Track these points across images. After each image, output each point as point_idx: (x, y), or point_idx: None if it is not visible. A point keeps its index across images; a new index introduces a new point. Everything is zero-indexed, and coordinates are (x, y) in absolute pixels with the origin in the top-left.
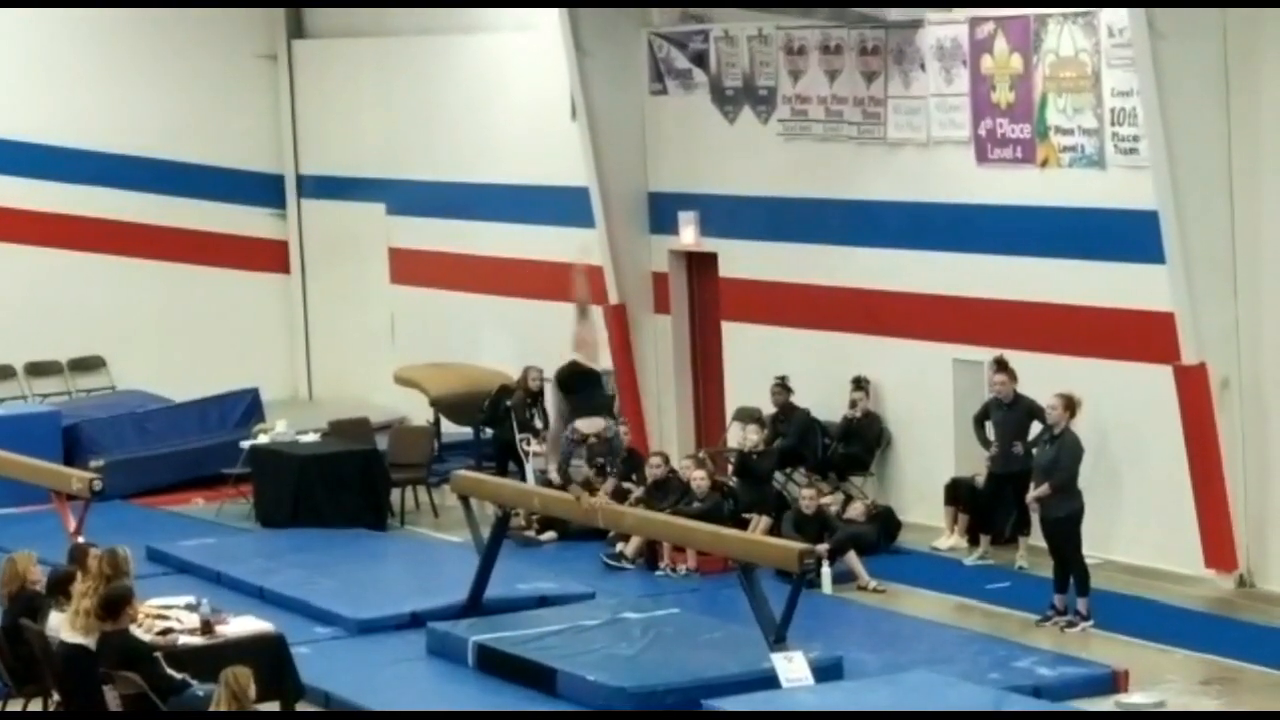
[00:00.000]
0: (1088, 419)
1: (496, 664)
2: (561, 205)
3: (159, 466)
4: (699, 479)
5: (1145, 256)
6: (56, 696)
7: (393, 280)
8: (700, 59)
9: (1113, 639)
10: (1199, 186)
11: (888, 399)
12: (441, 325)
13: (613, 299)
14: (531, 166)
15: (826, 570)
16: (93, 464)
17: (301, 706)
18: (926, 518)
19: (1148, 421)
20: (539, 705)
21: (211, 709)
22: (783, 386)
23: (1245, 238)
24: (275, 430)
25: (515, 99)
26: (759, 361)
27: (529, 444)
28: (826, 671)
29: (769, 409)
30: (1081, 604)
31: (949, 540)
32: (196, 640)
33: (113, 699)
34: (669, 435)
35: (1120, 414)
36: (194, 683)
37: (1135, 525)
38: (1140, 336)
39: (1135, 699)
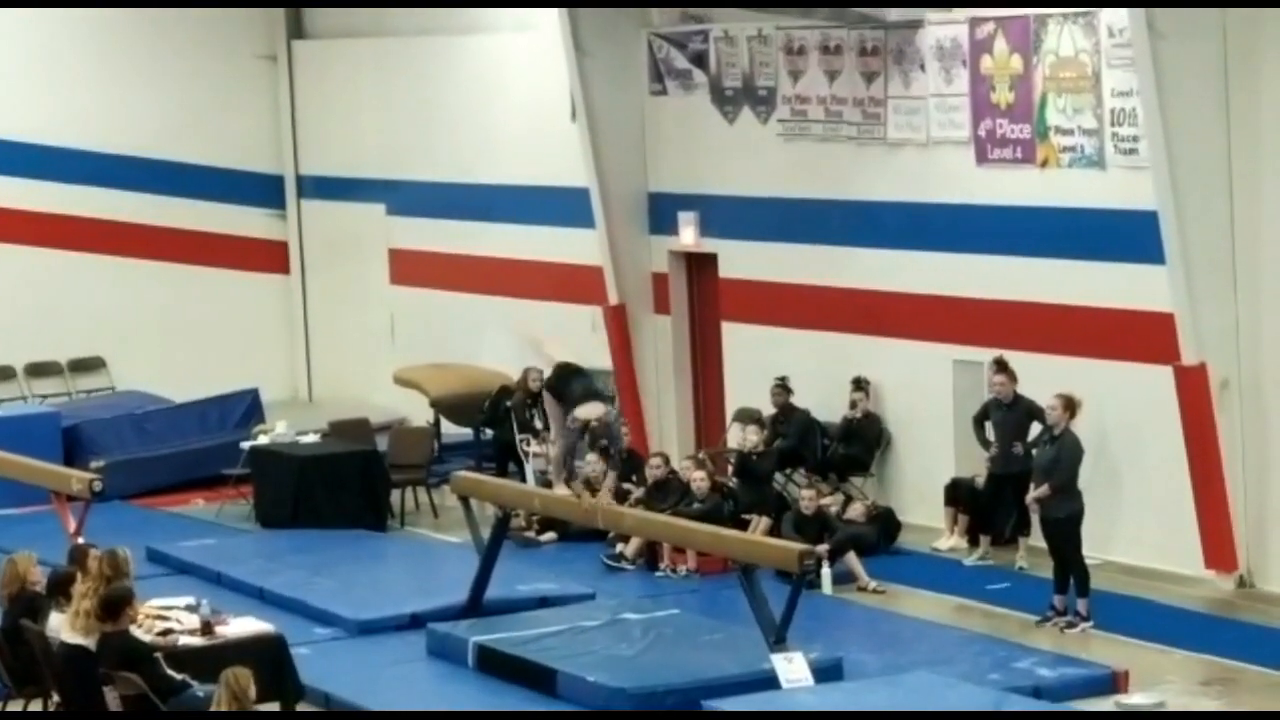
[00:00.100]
0: (1088, 419)
1: (497, 665)
2: (561, 206)
3: (159, 467)
4: (699, 480)
5: (1145, 257)
6: (56, 697)
7: (393, 281)
8: (700, 59)
9: (1113, 639)
10: (1199, 187)
11: (888, 399)
12: (441, 326)
13: (613, 299)
14: (531, 167)
15: (826, 571)
16: (93, 465)
17: (302, 707)
18: (926, 518)
19: (1148, 422)
20: (539, 706)
21: (212, 710)
22: (783, 387)
23: (1245, 238)
24: (275, 431)
25: (515, 99)
26: (759, 362)
27: (529, 445)
28: (826, 672)
29: (769, 410)
30: (1081, 604)
31: (949, 541)
32: (196, 641)
33: (113, 700)
34: (669, 436)
35: (1120, 414)
36: (194, 683)
37: (1135, 526)
38: (1140, 337)
39: (1135, 700)
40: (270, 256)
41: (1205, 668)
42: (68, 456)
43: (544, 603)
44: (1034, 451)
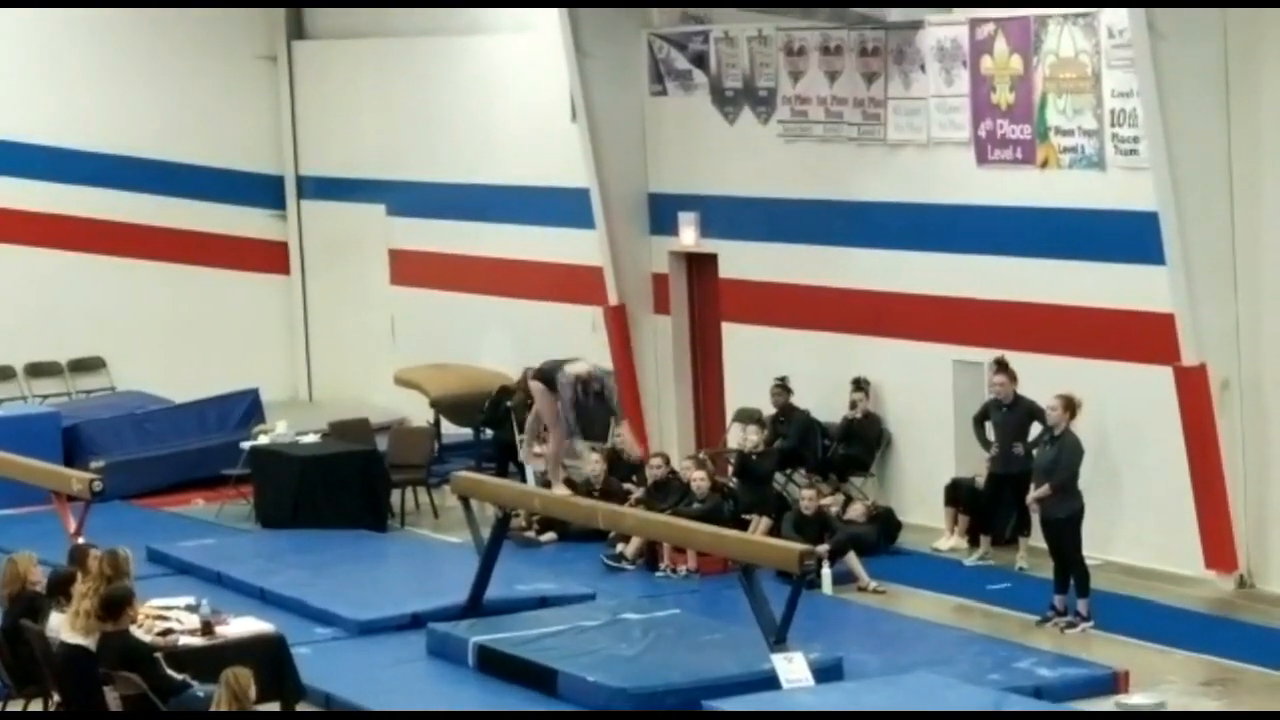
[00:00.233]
0: (1088, 420)
1: (497, 665)
2: (562, 206)
3: (159, 467)
4: (699, 480)
5: (1145, 257)
6: (57, 697)
7: (393, 281)
8: (700, 60)
9: (1113, 640)
10: (1199, 187)
11: (888, 400)
12: (442, 326)
13: (613, 300)
14: (532, 167)
15: (827, 571)
16: (93, 465)
17: (302, 707)
18: (927, 519)
19: (1148, 422)
20: (539, 706)
21: (212, 710)
22: (783, 387)
23: (1245, 238)
24: (275, 431)
25: (515, 100)
26: (759, 362)
27: (536, 446)
28: (827, 672)
29: (769, 410)
30: (1082, 605)
31: (949, 541)
32: (197, 641)
33: (113, 700)
34: (669, 436)
35: (1120, 415)
36: (194, 683)
37: (1135, 526)
38: (1140, 337)
39: (1135, 700)
40: (270, 257)
41: (1205, 668)
42: (68, 457)
43: (544, 603)
44: (1034, 452)
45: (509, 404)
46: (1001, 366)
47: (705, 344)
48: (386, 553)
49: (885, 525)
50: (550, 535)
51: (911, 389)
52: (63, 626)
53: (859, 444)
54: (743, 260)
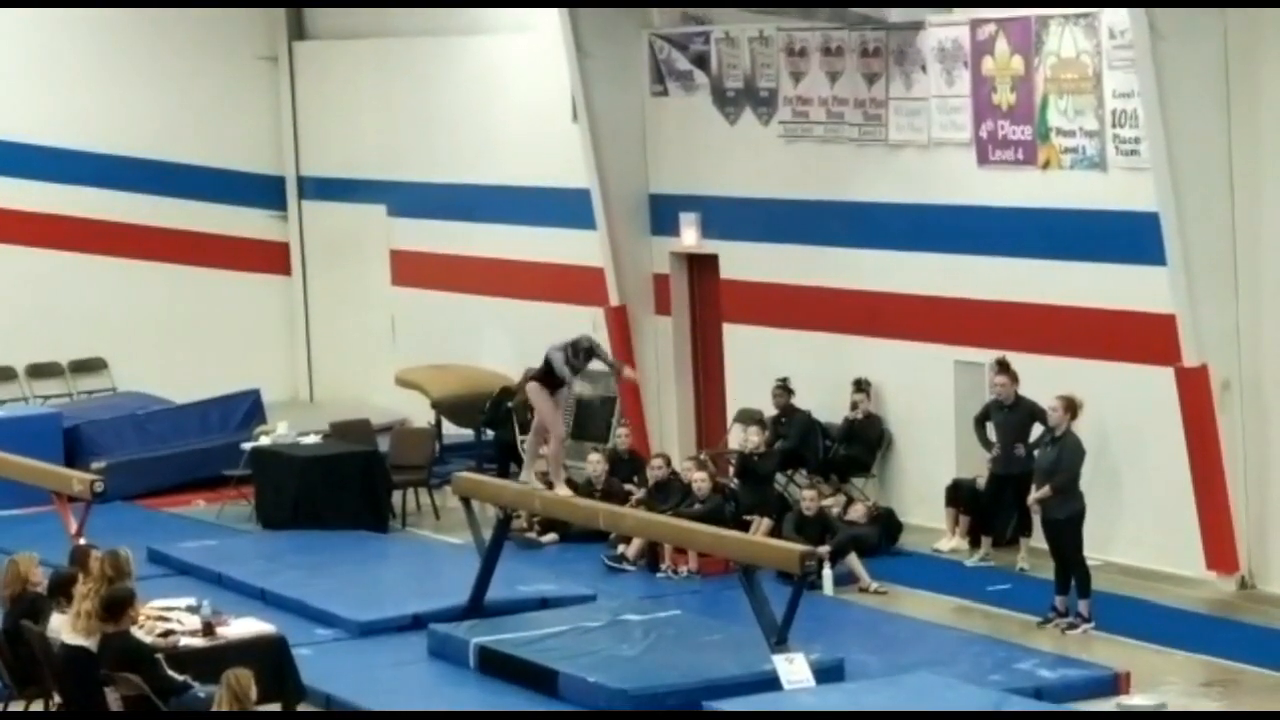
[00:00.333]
0: (1089, 421)
1: (498, 666)
2: (562, 207)
3: (160, 468)
4: (700, 480)
5: (1146, 258)
6: (57, 698)
7: (394, 282)
8: (701, 60)
9: (1114, 641)
10: (1200, 188)
11: (889, 400)
12: (442, 327)
13: (614, 300)
14: (532, 168)
15: (828, 572)
16: (94, 466)
17: (303, 708)
18: (927, 519)
19: (1149, 423)
20: (540, 707)
21: (213, 710)
22: (784, 388)
23: (1246, 239)
24: (276, 432)
25: (516, 100)
26: (760, 363)
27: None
28: (828, 673)
29: (770, 410)
30: (1083, 605)
31: (950, 542)
32: (198, 642)
33: (114, 701)
34: (670, 437)
35: (1121, 416)
36: (195, 684)
37: (1136, 527)
38: (1141, 338)
39: (1136, 701)
40: (271, 257)
41: (1206, 669)
42: (69, 457)
43: (545, 604)
44: (1035, 453)
45: (510, 405)
46: (1003, 367)
47: (706, 345)
48: (387, 553)
49: (886, 526)
50: (551, 536)
51: (912, 390)
52: (64, 627)
53: (860, 445)
54: (744, 261)
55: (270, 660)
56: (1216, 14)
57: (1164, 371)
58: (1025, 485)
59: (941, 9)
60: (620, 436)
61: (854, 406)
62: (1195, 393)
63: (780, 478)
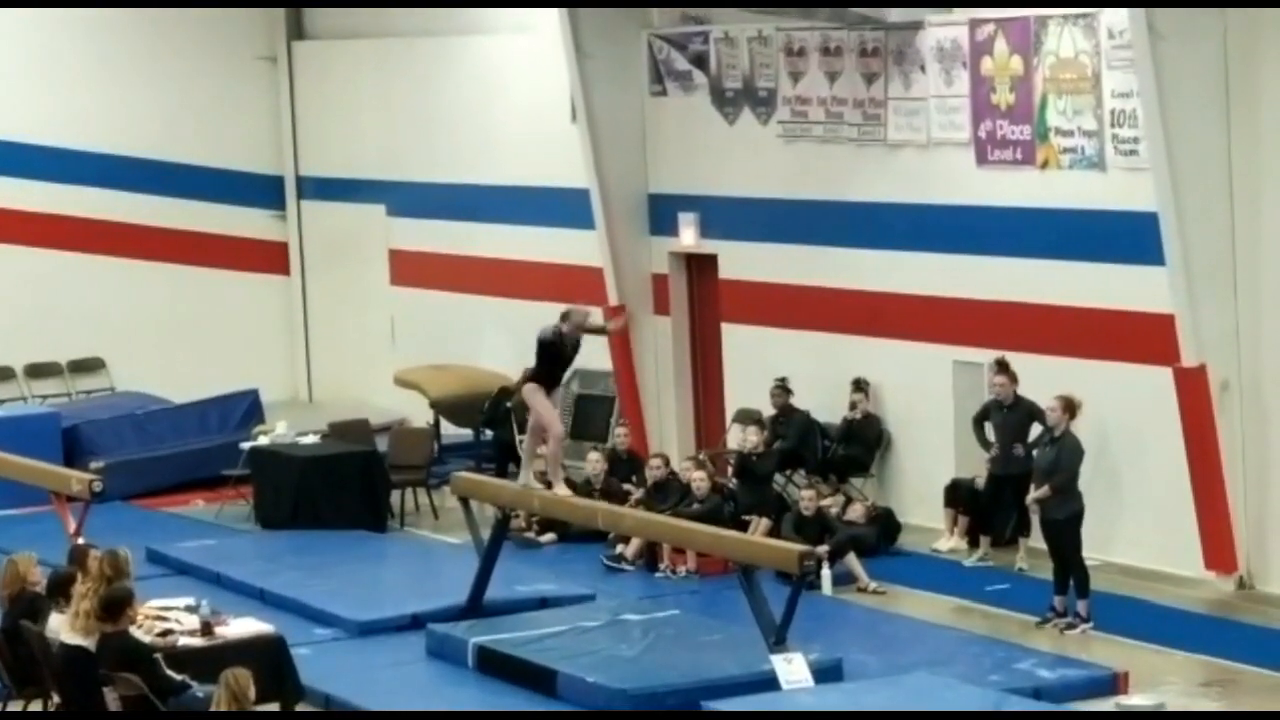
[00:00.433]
0: (1088, 421)
1: (497, 666)
2: (562, 207)
3: (159, 468)
4: (699, 480)
5: (1145, 258)
6: (56, 698)
7: (393, 282)
8: (700, 60)
9: (1113, 641)
10: (1199, 188)
11: (888, 400)
12: (441, 327)
13: (613, 300)
14: (532, 168)
15: (826, 572)
16: (93, 465)
17: (301, 708)
18: (926, 519)
19: (1148, 423)
20: (539, 707)
21: (211, 710)
22: (783, 388)
23: (1245, 239)
24: (275, 432)
25: (515, 100)
26: (759, 363)
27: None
28: (826, 673)
29: (769, 410)
30: (1081, 606)
31: (949, 542)
32: (196, 642)
33: (113, 700)
34: (669, 437)
35: (1120, 416)
36: (194, 684)
37: (1135, 527)
38: (1140, 338)
39: (1135, 701)
40: (270, 257)
41: (1205, 669)
42: (68, 457)
43: (544, 603)
44: (1034, 453)
45: (508, 404)
46: (1002, 367)
47: (705, 345)
48: (386, 553)
49: (885, 526)
50: (550, 536)
51: (911, 390)
52: (62, 627)
53: (859, 445)
54: (742, 261)
55: (269, 660)
56: (1216, 14)
57: (1163, 372)
58: (1024, 485)
59: (940, 9)
60: (619, 436)
61: (853, 406)
62: (1194, 393)
63: (779, 478)
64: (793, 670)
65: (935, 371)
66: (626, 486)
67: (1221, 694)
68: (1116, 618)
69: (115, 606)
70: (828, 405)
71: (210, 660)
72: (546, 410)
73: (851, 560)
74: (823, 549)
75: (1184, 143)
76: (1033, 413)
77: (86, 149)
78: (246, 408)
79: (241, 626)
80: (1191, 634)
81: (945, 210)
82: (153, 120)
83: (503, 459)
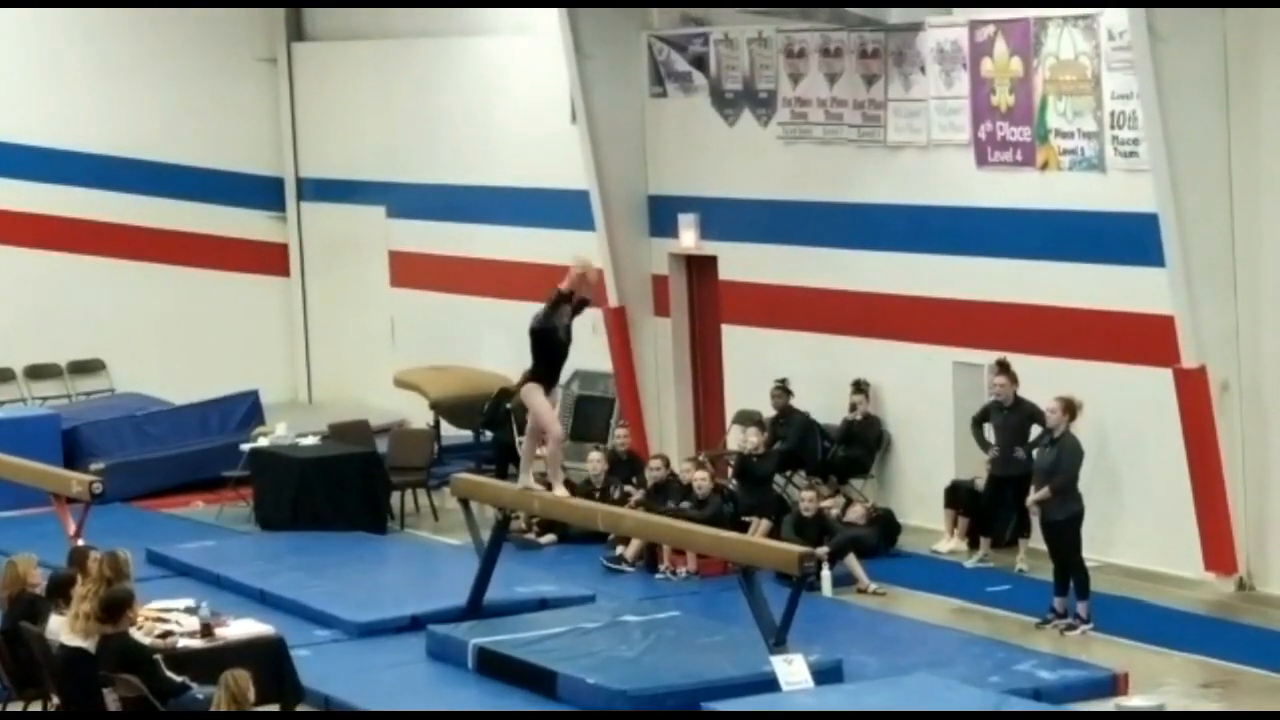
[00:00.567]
0: (1088, 422)
1: (496, 667)
2: (561, 208)
3: (159, 469)
4: (701, 479)
5: (1145, 259)
6: (56, 699)
7: (393, 283)
8: (700, 62)
9: (1113, 642)
10: (1199, 189)
11: (888, 402)
12: (441, 328)
13: (613, 302)
14: (531, 169)
15: (826, 573)
16: (92, 467)
17: (301, 709)
18: (926, 521)
19: (1148, 424)
20: (539, 708)
21: (211, 711)
22: (783, 389)
23: (1245, 241)
24: (275, 433)
25: (515, 102)
26: (759, 364)
27: None
28: (826, 674)
29: (769, 412)
30: (1081, 607)
31: (949, 543)
32: (196, 643)
33: (112, 702)
34: (669, 438)
35: (1120, 417)
36: (194, 685)
37: (1135, 528)
38: (1140, 339)
39: (1135, 702)
40: (270, 259)
41: (1205, 670)
42: (68, 459)
43: (544, 605)
44: (1034, 454)
45: (508, 406)
46: (1003, 368)
47: (705, 346)
48: (386, 555)
49: (885, 527)
50: (550, 537)
51: (911, 391)
52: (62, 629)
53: (859, 446)
54: (742, 262)
55: (269, 661)
56: (1216, 15)
57: (1163, 373)
58: (1024, 486)
59: (940, 10)
60: (619, 437)
61: (853, 408)
62: (1194, 394)
63: (779, 479)
64: (793, 671)
65: (935, 373)
66: (627, 488)
67: (1221, 695)
68: (1116, 619)
69: (115, 608)
70: (828, 406)
71: (210, 662)
72: (545, 411)
73: (851, 561)
74: (823, 550)
75: (1184, 144)
76: (1033, 414)
77: (86, 150)
78: (246, 409)
79: (241, 628)
80: (1191, 635)
81: (945, 211)
82: (152, 121)
83: (503, 460)
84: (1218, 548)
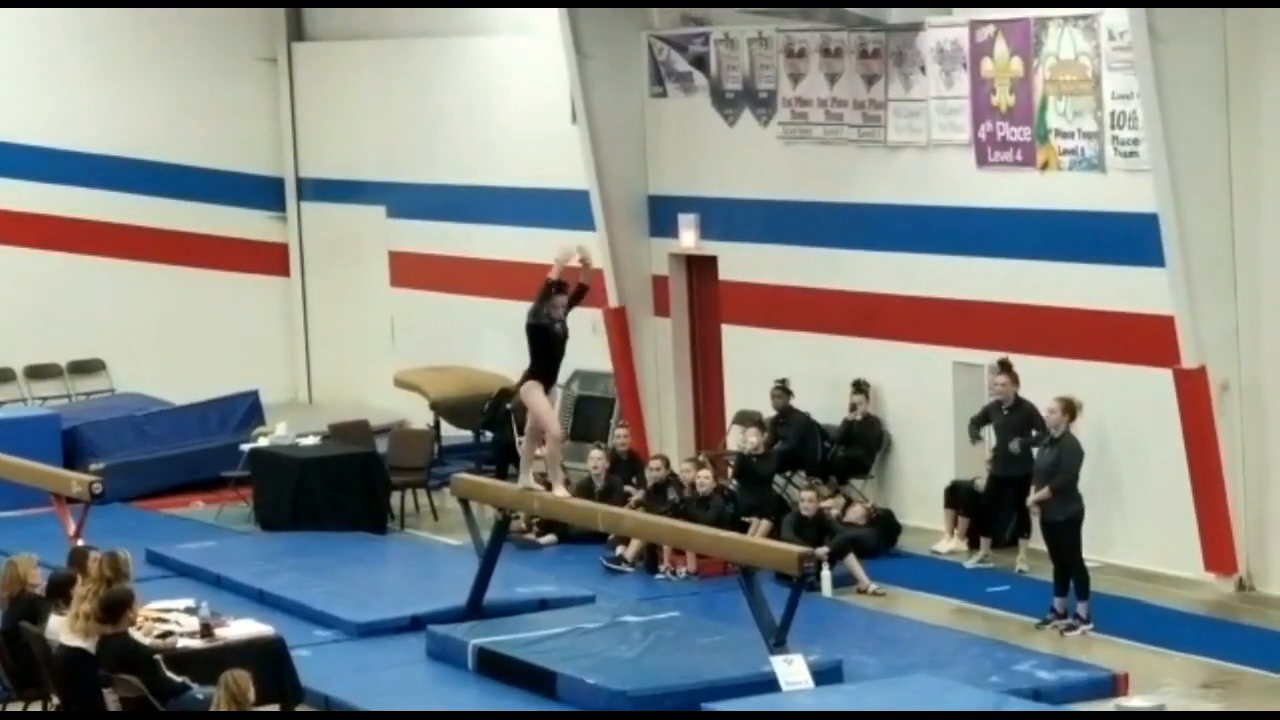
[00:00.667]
0: (1088, 422)
1: (496, 667)
2: (561, 208)
3: (159, 469)
4: (703, 478)
5: (1145, 260)
6: (56, 700)
7: (393, 283)
8: (700, 62)
9: (1113, 642)
10: (1199, 190)
11: (888, 402)
12: (441, 328)
13: (613, 302)
14: (532, 169)
15: (826, 573)
16: (92, 467)
17: (301, 709)
18: (926, 521)
19: (1148, 425)
20: (539, 708)
21: (211, 711)
22: (783, 389)
23: (1245, 241)
24: (275, 433)
25: (515, 102)
26: (759, 364)
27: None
28: (826, 675)
29: (769, 412)
30: (1081, 607)
31: (949, 543)
32: (196, 643)
33: (112, 702)
34: (669, 438)
35: (1120, 417)
36: (194, 686)
37: (1135, 528)
38: (1140, 340)
39: (1135, 702)
40: (270, 259)
41: (1205, 670)
42: (67, 459)
43: (544, 605)
44: (1033, 452)
45: (508, 406)
46: (1004, 368)
47: (705, 346)
48: (386, 555)
49: (885, 527)
50: (550, 537)
51: (911, 391)
52: (62, 629)
53: (859, 446)
54: (742, 262)
55: (269, 661)
56: (1216, 15)
57: (1163, 373)
58: (1024, 487)
59: (940, 10)
60: (619, 438)
61: (853, 408)
62: (1194, 394)
63: (779, 479)
64: (793, 672)
65: (935, 373)
66: (627, 488)
67: (1221, 695)
68: (1116, 619)
69: (115, 608)
70: (828, 407)
71: (210, 662)
72: (544, 411)
73: (851, 562)
74: (823, 550)
75: (1184, 144)
76: (1033, 415)
77: (86, 150)
78: (246, 409)
79: (241, 628)
80: (1191, 635)
81: (945, 212)
82: (152, 121)
83: (503, 460)
84: (1218, 548)
